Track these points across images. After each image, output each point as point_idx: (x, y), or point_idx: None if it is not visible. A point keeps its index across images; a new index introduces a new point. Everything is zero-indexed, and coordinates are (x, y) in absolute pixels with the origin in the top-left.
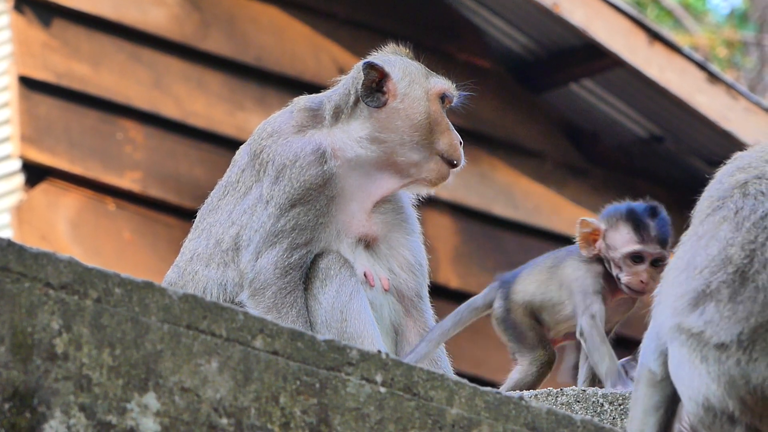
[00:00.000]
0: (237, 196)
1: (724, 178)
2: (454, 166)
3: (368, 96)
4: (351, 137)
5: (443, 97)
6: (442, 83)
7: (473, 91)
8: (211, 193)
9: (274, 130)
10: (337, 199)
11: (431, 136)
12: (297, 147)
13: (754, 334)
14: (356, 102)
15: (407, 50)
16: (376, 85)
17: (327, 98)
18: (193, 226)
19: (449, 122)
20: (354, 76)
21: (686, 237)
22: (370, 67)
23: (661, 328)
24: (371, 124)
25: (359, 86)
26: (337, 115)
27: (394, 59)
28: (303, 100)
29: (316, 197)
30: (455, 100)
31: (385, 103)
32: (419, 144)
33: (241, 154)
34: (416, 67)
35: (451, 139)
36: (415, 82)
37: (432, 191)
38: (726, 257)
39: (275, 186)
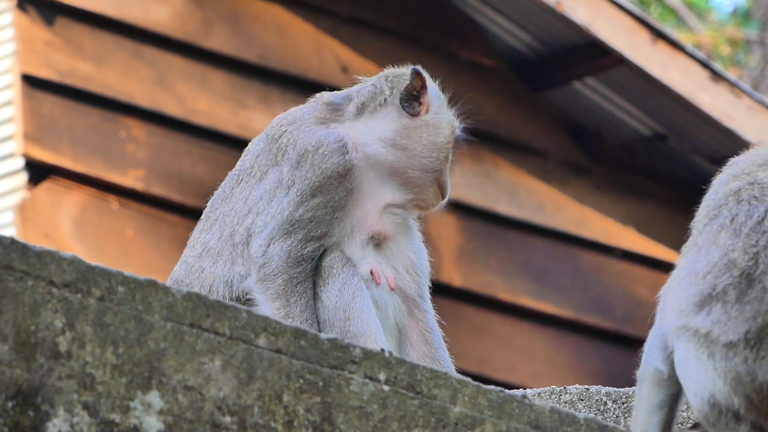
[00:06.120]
0: (252, 182)
1: (719, 187)
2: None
3: (407, 101)
4: (374, 134)
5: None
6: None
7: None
8: (222, 184)
9: (296, 119)
10: (355, 193)
11: (442, 164)
12: (320, 135)
13: (761, 333)
14: (385, 103)
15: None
16: (416, 93)
17: (355, 93)
18: (203, 216)
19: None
20: (391, 78)
21: (686, 248)
22: (417, 74)
23: (666, 330)
24: (396, 129)
25: (401, 88)
26: (361, 110)
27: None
28: (326, 95)
29: (336, 188)
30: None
31: (417, 114)
32: (432, 165)
33: (254, 143)
34: (443, 96)
35: (447, 177)
36: (444, 107)
37: (418, 215)
38: (729, 261)
39: (296, 171)
